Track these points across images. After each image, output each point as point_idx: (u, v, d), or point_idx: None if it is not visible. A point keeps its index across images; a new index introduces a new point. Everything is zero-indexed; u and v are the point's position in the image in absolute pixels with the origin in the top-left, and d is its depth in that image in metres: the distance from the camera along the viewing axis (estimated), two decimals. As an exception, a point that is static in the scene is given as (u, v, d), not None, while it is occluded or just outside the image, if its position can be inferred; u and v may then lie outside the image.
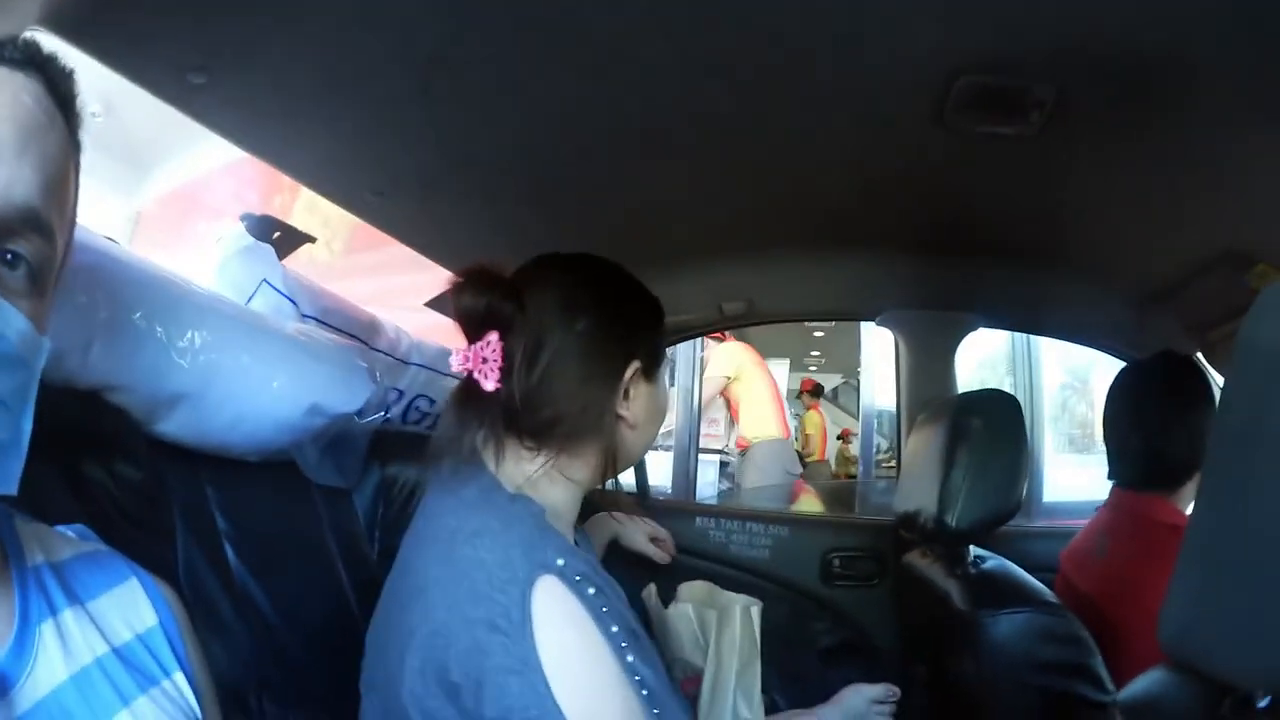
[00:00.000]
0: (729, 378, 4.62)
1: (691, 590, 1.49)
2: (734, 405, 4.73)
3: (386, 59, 1.09)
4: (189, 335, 1.10)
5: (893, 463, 3.36)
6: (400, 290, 2.33)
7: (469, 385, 0.96)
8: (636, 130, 1.35)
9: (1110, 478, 1.66)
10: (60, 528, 0.75)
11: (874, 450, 3.84)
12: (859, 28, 1.05)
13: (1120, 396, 1.66)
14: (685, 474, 3.82)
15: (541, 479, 0.97)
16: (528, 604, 0.82)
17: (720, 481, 4.67)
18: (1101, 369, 2.67)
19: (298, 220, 1.71)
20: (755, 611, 1.37)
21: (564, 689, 0.80)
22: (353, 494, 1.52)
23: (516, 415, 0.95)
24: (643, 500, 2.40)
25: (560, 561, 0.87)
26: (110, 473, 1.02)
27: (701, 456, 4.21)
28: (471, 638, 0.82)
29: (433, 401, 1.73)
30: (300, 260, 1.58)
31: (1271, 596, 0.52)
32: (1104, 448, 1.70)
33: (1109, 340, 2.30)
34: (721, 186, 1.62)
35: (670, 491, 3.72)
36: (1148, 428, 1.55)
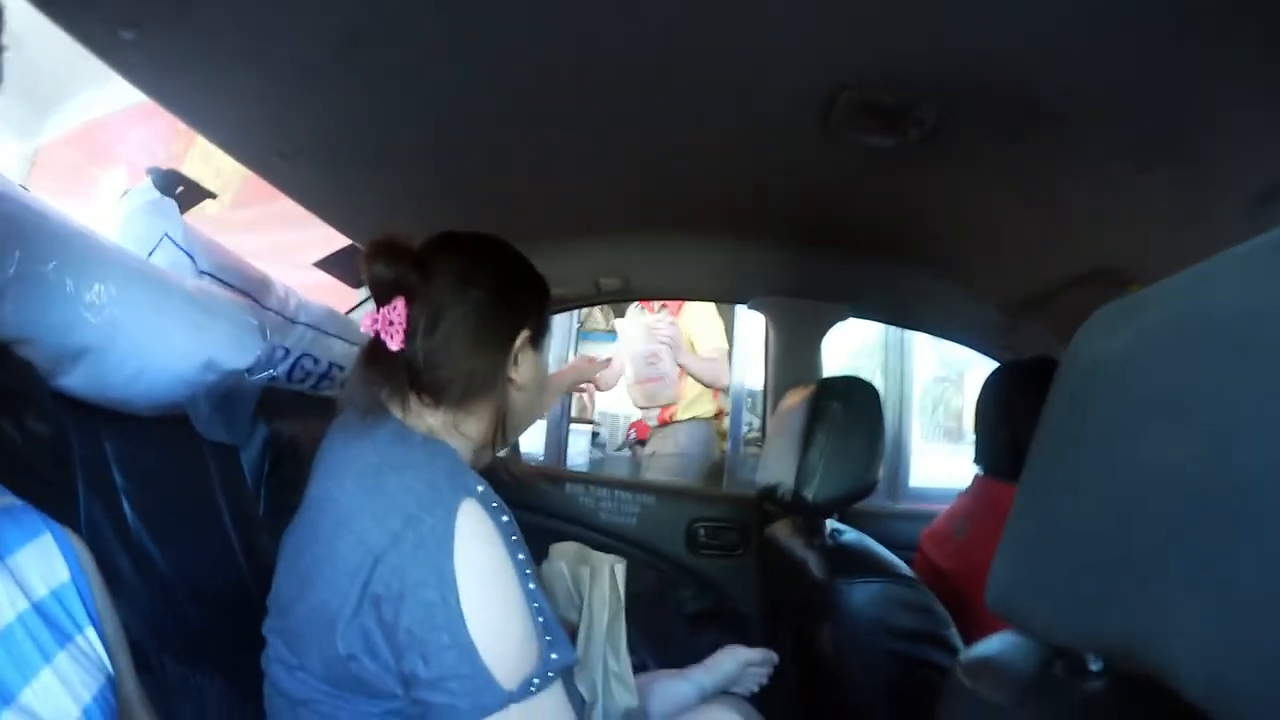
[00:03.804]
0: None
1: (562, 550, 1.58)
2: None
3: (307, 27, 1.17)
4: (97, 289, 1.15)
5: (761, 439, 3.46)
6: (287, 246, 2.34)
7: (376, 345, 1.09)
8: (526, 111, 1.46)
9: (976, 463, 1.82)
10: None
11: (743, 428, 3.96)
12: (749, 32, 1.17)
13: (993, 392, 1.80)
14: (557, 443, 3.91)
15: (440, 431, 1.10)
16: (451, 523, 0.94)
17: (591, 451, 4.74)
18: (977, 363, 2.85)
19: (191, 168, 1.71)
20: (620, 569, 1.48)
21: (473, 604, 0.93)
22: (240, 451, 1.58)
23: (418, 374, 1.08)
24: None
25: (480, 488, 1.00)
26: (19, 427, 1.06)
27: (574, 427, 4.29)
28: (399, 555, 0.93)
29: (317, 361, 1.78)
30: (190, 212, 1.60)
31: (1081, 569, 0.62)
32: (970, 437, 1.86)
33: (980, 340, 2.49)
34: (605, 167, 1.75)
35: (542, 459, 3.81)
36: (1015, 424, 1.67)
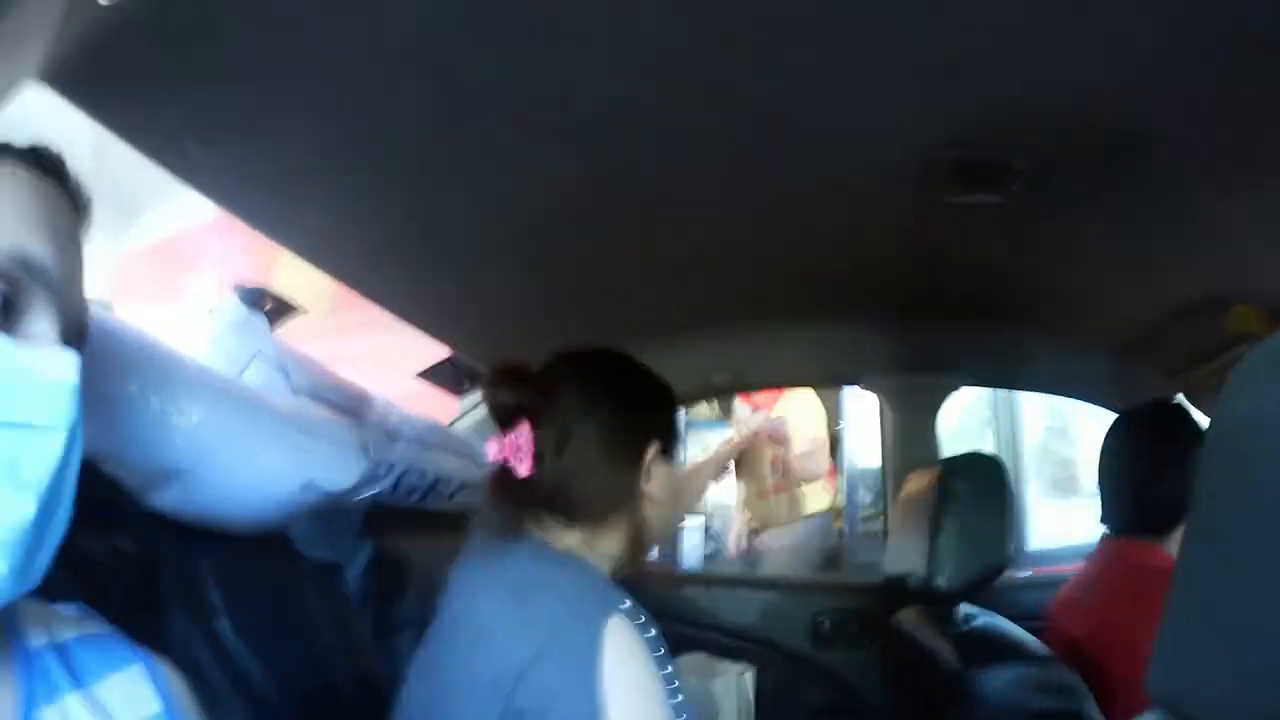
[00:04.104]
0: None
1: (687, 663, 1.53)
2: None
3: (383, 135, 1.17)
4: (183, 409, 1.14)
5: (879, 518, 3.28)
6: (391, 349, 2.36)
7: (504, 471, 1.09)
8: (623, 208, 1.45)
9: (1102, 523, 1.72)
10: (58, 605, 0.74)
11: (859, 507, 3.83)
12: (841, 103, 1.14)
13: (1113, 444, 1.72)
14: (670, 539, 3.82)
15: (578, 548, 1.10)
16: (599, 639, 0.93)
17: (705, 545, 4.62)
18: (1085, 409, 2.74)
19: (283, 274, 1.75)
20: (749, 678, 1.42)
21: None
22: (345, 567, 1.56)
23: (550, 497, 1.09)
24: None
25: (626, 604, 0.99)
26: (108, 545, 1.05)
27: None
28: (544, 670, 0.92)
29: (423, 474, 1.75)
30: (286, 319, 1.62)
31: (1247, 661, 0.52)
32: (1087, 489, 1.76)
33: (1091, 391, 2.39)
34: (706, 260, 1.72)
35: (655, 557, 3.72)
36: (1139, 474, 1.61)
